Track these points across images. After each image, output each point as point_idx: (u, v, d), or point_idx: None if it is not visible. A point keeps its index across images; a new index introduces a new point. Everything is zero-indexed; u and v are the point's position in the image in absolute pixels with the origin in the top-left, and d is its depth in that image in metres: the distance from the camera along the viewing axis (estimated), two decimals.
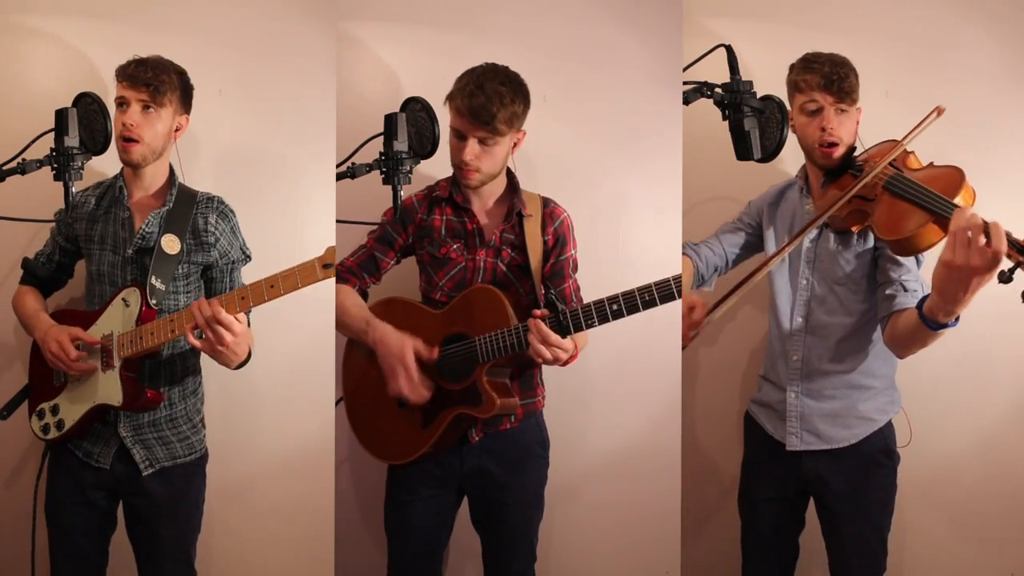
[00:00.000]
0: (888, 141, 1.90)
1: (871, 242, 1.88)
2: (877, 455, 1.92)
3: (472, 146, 1.85)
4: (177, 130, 1.94)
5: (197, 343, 1.75)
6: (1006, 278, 1.37)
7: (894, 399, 1.97)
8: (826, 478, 1.93)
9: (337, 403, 2.12)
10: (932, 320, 1.54)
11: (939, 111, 1.80)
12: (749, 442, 2.11)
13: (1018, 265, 1.39)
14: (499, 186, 1.98)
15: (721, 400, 2.41)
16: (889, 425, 1.95)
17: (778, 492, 2.01)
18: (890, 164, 1.77)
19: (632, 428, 2.34)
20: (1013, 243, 1.39)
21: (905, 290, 1.79)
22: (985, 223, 1.37)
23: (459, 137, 1.87)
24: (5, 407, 2.02)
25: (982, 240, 1.36)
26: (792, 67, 1.92)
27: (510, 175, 1.99)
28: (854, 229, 1.83)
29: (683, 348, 1.89)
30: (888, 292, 1.81)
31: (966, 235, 1.37)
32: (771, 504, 2.03)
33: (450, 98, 1.87)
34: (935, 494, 2.33)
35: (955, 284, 1.42)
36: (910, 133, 1.81)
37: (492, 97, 1.81)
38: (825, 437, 1.93)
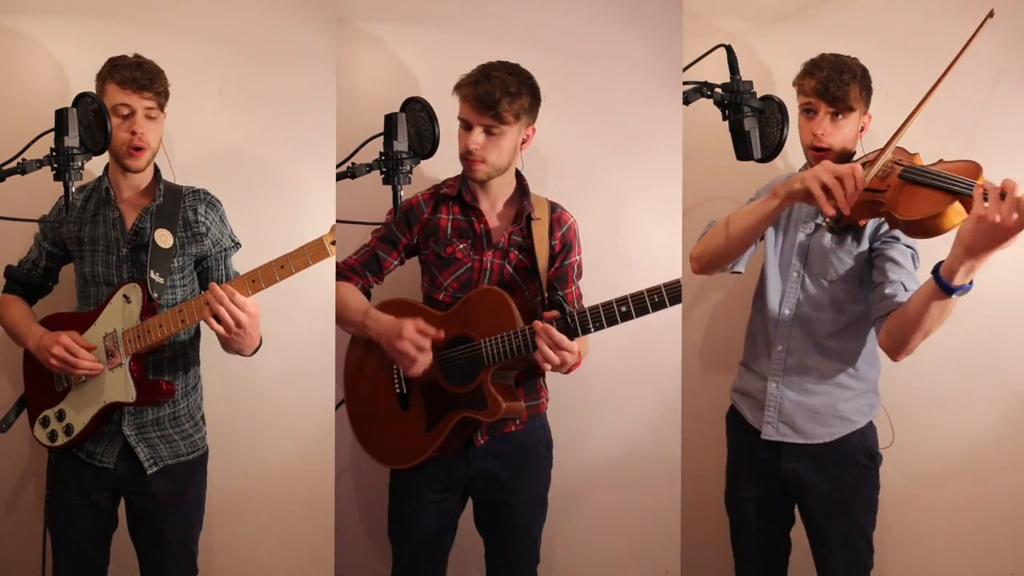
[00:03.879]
0: (897, 149, 1.89)
1: (866, 244, 1.88)
2: (857, 456, 1.92)
3: (477, 134, 1.85)
4: None
5: (219, 328, 1.74)
6: None
7: (874, 403, 1.97)
8: (805, 479, 1.92)
9: (338, 406, 2.12)
10: (949, 280, 1.52)
11: (991, 14, 1.78)
12: (731, 436, 2.10)
13: None
14: (508, 187, 1.97)
15: (721, 400, 2.41)
16: (870, 427, 1.95)
17: (761, 491, 2.01)
18: (896, 162, 1.77)
19: (633, 430, 2.34)
20: None
21: (906, 290, 1.77)
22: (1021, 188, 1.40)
23: (465, 127, 1.88)
24: (3, 419, 2.00)
25: (1020, 201, 1.39)
26: (801, 68, 1.93)
27: (520, 177, 1.99)
28: (861, 223, 1.82)
29: (848, 220, 1.73)
30: (888, 291, 1.79)
31: (1011, 194, 1.40)
32: (755, 503, 2.02)
33: (457, 88, 1.88)
34: (932, 495, 2.33)
35: (986, 239, 1.43)
36: (966, 45, 1.77)
37: (497, 85, 1.83)
38: (801, 431, 1.92)
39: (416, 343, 1.84)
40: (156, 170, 1.99)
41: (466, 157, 1.88)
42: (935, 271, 1.56)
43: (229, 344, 1.84)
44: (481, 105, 1.83)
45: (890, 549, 2.27)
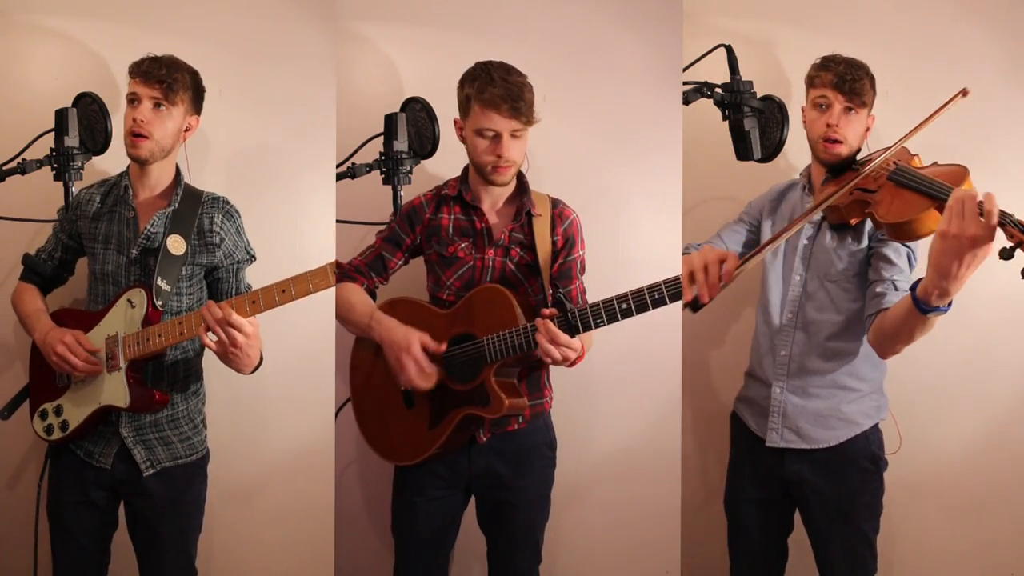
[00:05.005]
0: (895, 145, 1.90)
1: (865, 241, 1.89)
2: (861, 460, 1.91)
3: (508, 141, 1.83)
4: (187, 130, 1.94)
5: (212, 344, 1.74)
6: (1007, 255, 1.36)
7: (881, 405, 1.96)
8: (808, 481, 1.92)
9: (343, 406, 2.12)
10: (925, 302, 1.52)
11: (964, 93, 1.78)
12: (734, 441, 2.11)
13: (1019, 244, 1.37)
14: (510, 185, 1.97)
15: (722, 401, 2.41)
16: (875, 431, 1.94)
17: (762, 493, 2.01)
18: (894, 162, 1.78)
19: (634, 429, 2.34)
20: (1016, 223, 1.38)
21: (896, 289, 1.78)
22: (980, 195, 1.38)
23: (490, 136, 1.83)
24: (6, 407, 2.01)
25: (977, 209, 1.36)
26: (813, 64, 1.96)
27: (519, 174, 1.99)
28: (852, 222, 1.83)
29: (705, 304, 1.75)
30: (878, 290, 1.81)
31: (961, 205, 1.38)
32: (755, 505, 2.02)
33: (476, 98, 1.83)
34: (932, 496, 2.33)
35: (950, 256, 1.41)
36: (932, 115, 1.79)
37: (522, 88, 1.81)
38: (806, 436, 1.92)
39: (419, 362, 1.85)
40: (177, 173, 1.97)
41: (496, 166, 1.85)
42: (913, 288, 1.57)
43: (225, 360, 1.84)
44: (515, 112, 1.80)
45: (897, 550, 2.28)
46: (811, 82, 1.94)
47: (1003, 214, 1.38)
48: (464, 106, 1.87)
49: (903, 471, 1.99)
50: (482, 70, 1.84)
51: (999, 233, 1.38)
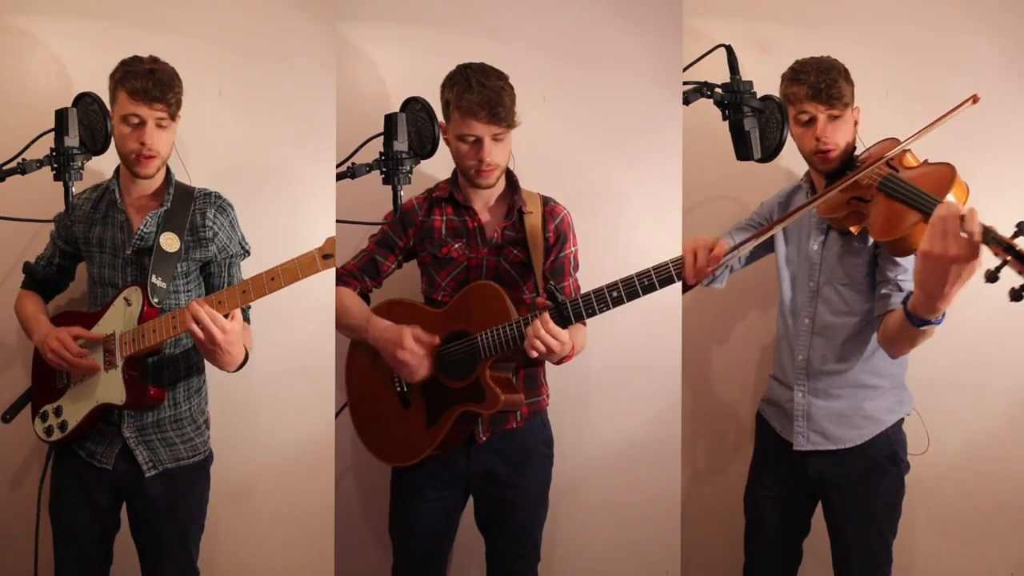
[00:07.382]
0: (888, 139, 1.90)
1: (871, 241, 1.88)
2: (882, 460, 1.92)
3: (489, 145, 1.84)
4: None
5: (200, 334, 1.73)
6: (992, 276, 1.30)
7: (903, 399, 1.97)
8: (831, 480, 1.93)
9: (342, 408, 2.12)
10: (916, 316, 1.53)
11: (975, 99, 1.77)
12: (759, 441, 2.12)
13: (1005, 263, 1.31)
14: (500, 184, 1.97)
15: (723, 399, 2.42)
16: (897, 430, 1.94)
17: (783, 491, 2.02)
18: (886, 163, 1.77)
19: (633, 427, 2.34)
20: (999, 241, 1.32)
21: (900, 290, 1.78)
22: (962, 212, 1.33)
23: (471, 141, 1.85)
24: (8, 410, 2.02)
25: (959, 227, 1.32)
26: (782, 78, 1.92)
27: (509, 173, 1.99)
28: (853, 230, 1.83)
29: (691, 288, 1.86)
30: (884, 291, 1.81)
31: (943, 224, 1.34)
32: (776, 503, 2.03)
33: (455, 105, 1.85)
34: (934, 495, 2.33)
35: (934, 276, 1.38)
36: (941, 118, 1.77)
37: (500, 93, 1.82)
38: (832, 437, 1.93)
39: (415, 354, 1.86)
40: (168, 172, 1.97)
41: (479, 169, 1.87)
42: (904, 301, 1.57)
43: (210, 358, 1.84)
44: (494, 116, 1.81)
45: (904, 550, 2.27)
46: (788, 99, 1.89)
47: (986, 231, 1.32)
48: (446, 111, 1.89)
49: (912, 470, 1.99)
50: (460, 75, 1.85)
51: (985, 250, 1.33)
